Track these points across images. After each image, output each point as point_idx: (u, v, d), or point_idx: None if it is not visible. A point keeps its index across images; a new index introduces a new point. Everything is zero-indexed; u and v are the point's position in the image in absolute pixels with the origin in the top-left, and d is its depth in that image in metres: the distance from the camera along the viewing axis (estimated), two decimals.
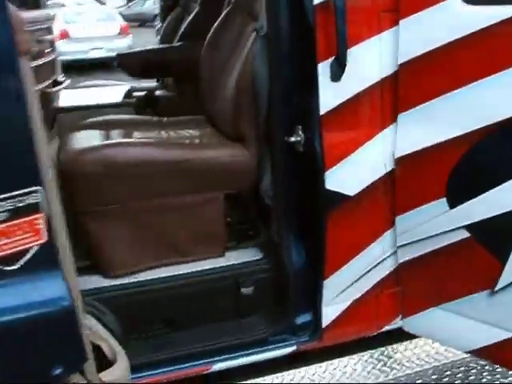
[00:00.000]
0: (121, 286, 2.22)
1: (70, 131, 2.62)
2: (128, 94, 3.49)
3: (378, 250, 2.17)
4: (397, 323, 2.28)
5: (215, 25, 2.70)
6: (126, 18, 16.58)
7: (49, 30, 4.71)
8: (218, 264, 2.32)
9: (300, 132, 2.07)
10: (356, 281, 2.19)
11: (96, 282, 2.21)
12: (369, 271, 2.19)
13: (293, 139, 2.08)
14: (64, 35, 13.16)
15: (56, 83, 4.66)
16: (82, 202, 2.18)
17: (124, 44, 12.90)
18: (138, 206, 2.21)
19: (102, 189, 2.16)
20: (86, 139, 2.40)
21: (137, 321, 2.23)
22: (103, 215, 2.18)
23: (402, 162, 2.07)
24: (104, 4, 20.06)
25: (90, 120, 2.73)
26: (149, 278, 2.25)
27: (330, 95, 2.01)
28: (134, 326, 2.23)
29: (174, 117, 2.86)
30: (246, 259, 2.34)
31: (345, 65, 1.96)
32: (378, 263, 2.19)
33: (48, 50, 4.67)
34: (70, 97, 3.91)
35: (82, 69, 11.62)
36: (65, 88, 4.26)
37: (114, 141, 2.34)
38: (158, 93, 3.57)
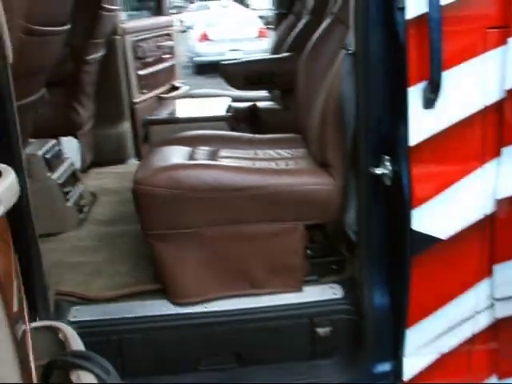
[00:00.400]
0: (188, 315, 2.11)
1: (157, 145, 2.56)
2: (229, 107, 3.39)
3: (470, 301, 1.89)
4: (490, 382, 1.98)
5: (315, 36, 2.51)
6: (267, 21, 16.70)
7: (169, 36, 4.76)
8: (293, 300, 2.13)
9: (387, 163, 1.84)
10: (444, 332, 1.92)
11: (162, 308, 2.12)
12: (459, 323, 1.91)
13: (379, 171, 1.85)
14: (203, 37, 13.50)
15: (173, 89, 4.71)
16: (153, 223, 2.09)
17: (260, 47, 12.96)
18: (211, 232, 2.08)
19: (174, 212, 2.06)
20: (168, 156, 2.31)
21: (202, 352, 2.11)
22: (174, 239, 2.08)
23: (505, 203, 1.78)
24: (248, 7, 20.37)
25: (180, 134, 2.64)
26: (218, 309, 2.12)
27: (422, 124, 1.77)
28: (200, 357, 2.11)
29: (277, 131, 2.70)
30: (325, 297, 2.13)
31: (439, 89, 1.70)
32: (471, 316, 1.90)
33: (167, 56, 4.74)
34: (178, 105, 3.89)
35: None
36: (175, 97, 4.27)
37: (189, 162, 2.23)
38: (262, 105, 3.42)
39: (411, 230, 1.81)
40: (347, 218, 2.08)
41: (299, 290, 2.16)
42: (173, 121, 3.07)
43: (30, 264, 1.94)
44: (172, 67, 4.79)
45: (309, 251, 2.17)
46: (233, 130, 2.94)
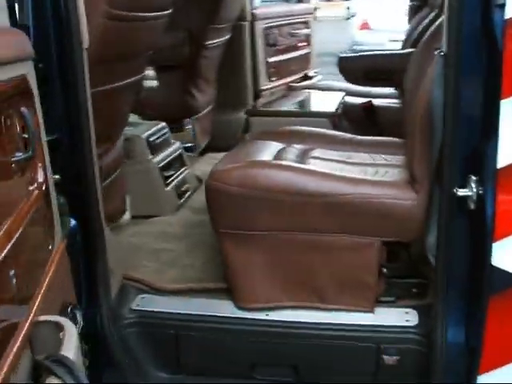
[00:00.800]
0: (249, 321, 2.01)
1: (252, 138, 2.47)
2: (342, 103, 3.19)
3: None
4: None
5: (428, 32, 2.27)
6: None
7: (306, 24, 4.63)
8: (362, 321, 1.95)
9: (473, 184, 1.59)
10: None
11: (224, 309, 2.03)
12: None
13: (462, 192, 1.61)
14: (364, 26, 13.14)
15: (306, 78, 4.58)
16: (222, 221, 2.00)
17: None
18: (280, 238, 1.96)
19: (243, 212, 1.96)
20: (254, 151, 2.21)
21: (259, 361, 2.00)
22: (242, 240, 1.98)
23: None
24: None
25: (277, 129, 2.52)
26: (281, 318, 2.00)
27: None
28: (255, 365, 2.00)
29: (395, 133, 2.50)
30: (397, 322, 1.93)
31: None
32: None
33: (302, 44, 4.62)
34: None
35: None
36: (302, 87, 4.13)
37: (264, 160, 2.10)
38: (380, 102, 3.18)
39: (491, 265, 1.56)
40: (428, 239, 1.85)
41: (370, 310, 1.97)
42: (273, 113, 2.95)
43: (95, 251, 1.93)
44: (306, 55, 4.66)
45: (385, 270, 1.97)
46: (335, 127, 2.76)
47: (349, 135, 2.48)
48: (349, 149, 2.35)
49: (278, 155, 2.20)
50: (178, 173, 3.06)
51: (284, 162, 2.08)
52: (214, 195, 1.99)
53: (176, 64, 3.25)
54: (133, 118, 3.12)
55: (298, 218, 1.92)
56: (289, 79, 4.41)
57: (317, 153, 2.30)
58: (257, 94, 4.08)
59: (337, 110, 2.87)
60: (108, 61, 2.06)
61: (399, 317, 1.95)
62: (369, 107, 3.03)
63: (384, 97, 3.46)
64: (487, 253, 1.56)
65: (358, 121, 3.10)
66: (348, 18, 18.97)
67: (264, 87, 4.11)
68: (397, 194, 1.87)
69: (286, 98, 3.56)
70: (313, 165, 2.14)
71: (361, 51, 12.50)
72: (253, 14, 3.95)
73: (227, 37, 3.56)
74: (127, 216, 2.81)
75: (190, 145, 3.56)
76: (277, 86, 4.25)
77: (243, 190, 1.93)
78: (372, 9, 13.52)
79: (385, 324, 1.93)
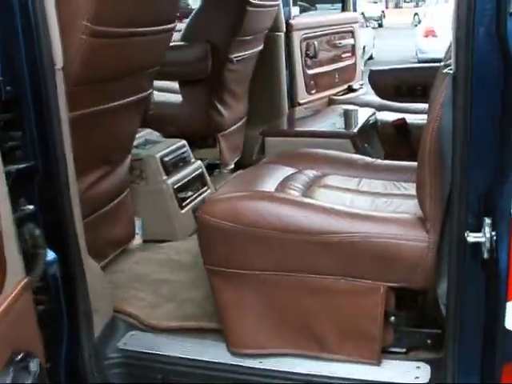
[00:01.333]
0: (241, 369, 1.80)
1: (263, 161, 2.27)
2: (372, 119, 2.92)
3: None
4: None
5: None
6: None
7: (350, 34, 4.39)
8: (365, 375, 1.72)
9: (487, 229, 1.34)
10: None
11: (216, 354, 1.85)
12: None
13: (474, 238, 1.36)
14: (429, 33, 12.71)
15: (350, 90, 4.33)
16: (212, 257, 1.82)
17: None
18: (274, 278, 1.75)
19: (235, 249, 1.77)
20: (258, 178, 2.02)
21: None
22: (234, 279, 1.79)
23: None
24: None
25: (295, 151, 2.31)
26: (275, 368, 1.79)
27: None
28: None
29: None
30: (404, 379, 1.68)
31: None
32: None
33: (346, 55, 4.38)
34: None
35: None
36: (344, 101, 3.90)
37: (261, 192, 1.88)
38: (413, 119, 2.89)
39: (505, 328, 1.31)
40: (440, 285, 1.60)
41: (376, 362, 1.73)
42: (289, 134, 2.72)
43: (74, 288, 1.78)
44: (351, 67, 4.42)
45: (393, 318, 1.73)
46: (356, 149, 2.52)
47: (368, 159, 2.24)
48: (365, 174, 2.12)
49: (284, 183, 2.00)
50: (197, 194, 2.89)
51: (281, 195, 1.86)
52: (204, 229, 1.81)
53: (200, 78, 3.08)
54: (153, 135, 2.98)
55: (293, 257, 1.71)
56: (330, 92, 4.18)
57: (328, 180, 2.08)
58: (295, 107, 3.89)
59: (360, 129, 2.62)
60: (97, 81, 1.92)
61: (408, 372, 1.70)
62: (402, 125, 2.76)
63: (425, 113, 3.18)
64: (501, 314, 1.31)
65: (391, 139, 2.84)
66: (416, 25, 18.48)
67: (302, 100, 3.91)
68: (405, 234, 1.63)
69: (319, 113, 3.33)
70: (319, 195, 1.93)
71: (424, 60, 12.11)
72: (288, 24, 3.76)
73: (258, 48, 3.37)
74: (138, 240, 2.67)
75: (217, 162, 3.41)
76: (316, 100, 4.04)
77: (233, 225, 1.74)
78: (440, 15, 13.01)
79: (389, 381, 1.69)
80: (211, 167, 3.45)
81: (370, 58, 15.57)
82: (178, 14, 2.31)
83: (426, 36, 12.81)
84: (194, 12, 3.12)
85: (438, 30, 12.57)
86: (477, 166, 1.38)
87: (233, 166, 3.57)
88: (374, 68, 3.03)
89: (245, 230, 1.72)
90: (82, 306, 1.79)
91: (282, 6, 3.66)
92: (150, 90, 2.36)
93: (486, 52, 1.31)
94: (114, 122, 2.16)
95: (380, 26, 25.68)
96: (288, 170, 2.11)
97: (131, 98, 2.18)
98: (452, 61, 1.39)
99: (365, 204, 1.87)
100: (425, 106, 3.24)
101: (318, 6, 16.91)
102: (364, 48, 13.85)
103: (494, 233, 1.33)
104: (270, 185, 1.93)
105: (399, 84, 2.82)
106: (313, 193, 1.94)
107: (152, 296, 2.17)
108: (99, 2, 1.73)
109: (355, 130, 2.57)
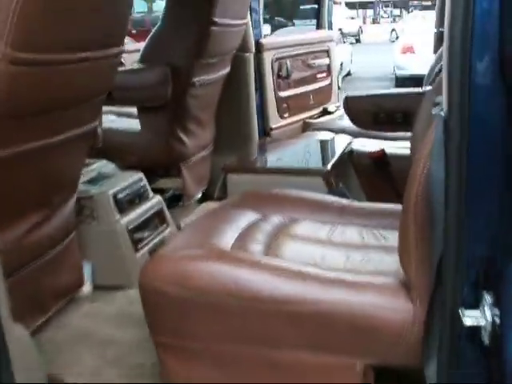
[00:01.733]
0: None
1: (228, 203, 2.00)
2: (348, 150, 2.65)
3: None
4: None
5: None
6: None
7: (326, 53, 4.16)
8: None
9: (486, 307, 1.08)
10: None
11: None
12: None
13: (471, 318, 1.10)
14: (408, 49, 12.59)
15: (325, 113, 4.09)
16: (156, 326, 1.53)
17: None
18: (231, 352, 1.47)
19: (184, 319, 1.48)
20: (213, 228, 1.74)
21: None
22: (184, 353, 1.51)
23: None
24: None
25: (261, 192, 2.04)
26: None
27: None
28: None
29: None
30: None
31: None
32: None
33: (321, 75, 4.14)
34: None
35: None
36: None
37: (211, 248, 1.61)
38: (394, 149, 2.62)
39: None
40: (429, 366, 1.33)
41: None
42: (256, 170, 2.43)
43: None
44: (326, 88, 4.19)
45: None
46: (330, 187, 2.25)
47: (342, 201, 1.97)
48: (339, 220, 1.86)
49: (245, 234, 1.72)
50: (156, 233, 2.61)
51: (238, 254, 1.58)
52: (147, 294, 1.53)
53: (159, 105, 2.80)
54: (108, 167, 2.70)
55: (252, 328, 1.44)
56: (305, 115, 3.94)
57: (297, 228, 1.81)
58: (267, 133, 3.64)
59: (334, 165, 2.35)
60: (28, 114, 1.64)
61: None
62: (380, 157, 2.49)
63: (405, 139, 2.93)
64: None
65: (368, 171, 2.58)
66: (393, 41, 18.43)
67: (274, 125, 3.66)
68: (385, 303, 1.36)
69: (291, 143, 3.05)
70: (285, 249, 1.66)
71: (402, 76, 11.93)
72: (259, 44, 3.51)
73: (225, 71, 3.11)
74: (87, 288, 2.38)
75: (181, 193, 3.14)
76: (290, 123, 3.79)
77: (182, 290, 1.46)
78: (417, 32, 12.90)
79: None
80: (175, 198, 3.18)
81: (348, 74, 15.46)
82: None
83: (404, 53, 12.67)
84: (152, 32, 2.85)
85: (415, 47, 12.44)
86: (475, 226, 1.12)
87: (200, 195, 3.30)
88: (349, 94, 2.77)
89: (196, 296, 1.45)
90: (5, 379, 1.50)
91: (251, 24, 3.42)
92: (96, 122, 2.08)
93: (486, 88, 1.05)
94: (52, 161, 1.89)
95: (358, 41, 25.71)
96: (251, 216, 1.84)
97: (73, 133, 1.90)
98: (443, 100, 1.13)
99: (338, 261, 1.60)
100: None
101: (295, 21, 16.82)
102: (342, 64, 13.73)
103: (496, 312, 1.07)
104: (228, 237, 1.65)
105: (377, 111, 2.56)
106: (278, 247, 1.66)
107: (95, 360, 1.88)
108: (22, 24, 1.45)
109: (328, 167, 2.29)
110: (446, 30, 1.09)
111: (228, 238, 1.64)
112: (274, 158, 2.85)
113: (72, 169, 2.07)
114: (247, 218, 1.83)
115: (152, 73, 2.75)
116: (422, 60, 11.35)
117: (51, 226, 2.02)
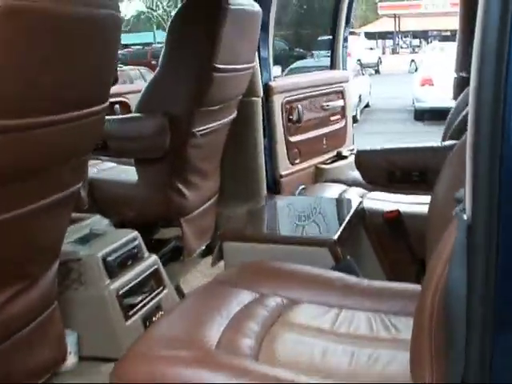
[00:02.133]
0: None
1: (221, 277, 1.79)
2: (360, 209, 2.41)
3: None
4: None
5: None
6: None
7: (340, 94, 3.96)
8: None
9: None
10: None
11: None
12: None
13: None
14: (426, 82, 12.41)
15: (339, 158, 3.88)
16: None
17: None
18: None
19: None
20: (208, 313, 1.53)
21: None
22: None
23: None
24: None
25: (257, 265, 1.83)
26: None
27: None
28: None
29: None
30: None
31: None
32: None
33: (335, 118, 3.95)
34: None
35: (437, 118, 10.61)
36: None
37: (190, 348, 1.38)
38: (407, 209, 2.38)
39: None
40: None
41: None
42: (254, 239, 2.21)
43: None
44: (340, 131, 3.99)
45: None
46: (337, 260, 2.02)
47: (350, 279, 1.74)
48: (346, 302, 1.63)
49: (236, 321, 1.50)
50: (150, 297, 2.40)
51: (222, 358, 1.35)
52: None
53: (157, 156, 2.62)
54: (101, 223, 2.51)
55: None
56: (317, 160, 3.74)
57: (297, 313, 1.59)
58: (276, 182, 3.44)
59: (342, 232, 2.11)
60: (10, 180, 1.48)
61: None
62: (394, 218, 2.25)
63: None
64: None
65: (380, 233, 2.35)
66: (412, 72, 18.24)
67: (284, 172, 3.46)
68: None
69: (298, 202, 2.83)
70: (281, 344, 1.43)
71: (421, 109, 11.71)
72: (268, 87, 3.33)
73: (230, 117, 2.93)
74: (72, 360, 2.18)
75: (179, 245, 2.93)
76: (301, 170, 3.59)
77: None
78: (437, 64, 12.71)
79: None
80: (177, 250, 2.98)
81: (367, 105, 15.30)
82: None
83: (423, 85, 12.48)
84: (150, 79, 2.69)
85: (434, 79, 12.24)
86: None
87: (203, 248, 3.10)
88: (360, 149, 2.55)
89: None
90: None
91: (259, 67, 3.24)
92: (79, 185, 1.89)
93: None
94: (28, 230, 1.70)
95: (377, 72, 25.59)
96: (245, 297, 1.62)
97: (51, 198, 1.72)
98: (467, 205, 0.91)
99: (341, 359, 1.37)
100: None
101: (314, 52, 16.79)
102: (360, 96, 13.57)
103: None
104: (215, 329, 1.44)
105: (392, 168, 2.33)
106: (273, 340, 1.44)
107: None
108: None
109: (335, 237, 2.05)
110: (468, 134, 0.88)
111: (214, 331, 1.43)
112: (276, 222, 2.63)
113: (53, 236, 1.88)
114: (240, 298, 1.61)
115: (148, 122, 2.58)
116: (440, 93, 11.16)
117: (29, 299, 1.83)
